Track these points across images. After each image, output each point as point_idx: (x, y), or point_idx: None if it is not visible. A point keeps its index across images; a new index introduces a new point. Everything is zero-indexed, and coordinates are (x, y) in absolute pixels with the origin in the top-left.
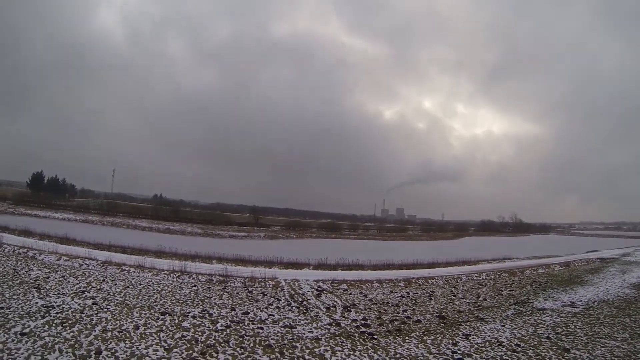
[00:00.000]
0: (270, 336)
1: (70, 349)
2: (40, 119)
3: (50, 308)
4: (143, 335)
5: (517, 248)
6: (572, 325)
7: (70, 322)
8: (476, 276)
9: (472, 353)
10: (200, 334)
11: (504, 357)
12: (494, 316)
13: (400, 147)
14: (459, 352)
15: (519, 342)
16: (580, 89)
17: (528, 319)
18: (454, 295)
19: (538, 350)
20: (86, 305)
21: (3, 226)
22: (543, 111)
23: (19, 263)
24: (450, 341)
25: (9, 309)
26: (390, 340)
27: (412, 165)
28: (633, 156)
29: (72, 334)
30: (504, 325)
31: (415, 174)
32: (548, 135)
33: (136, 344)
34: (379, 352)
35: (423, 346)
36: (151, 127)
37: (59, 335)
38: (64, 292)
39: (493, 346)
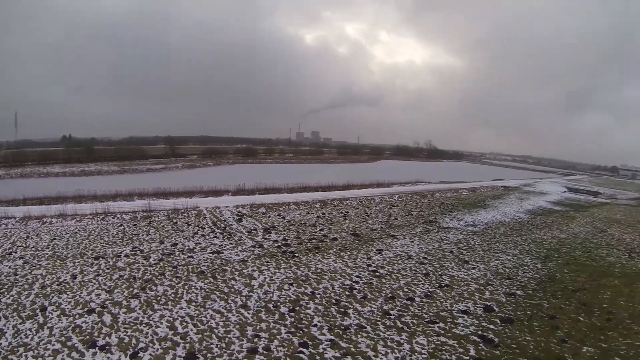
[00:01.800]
0: (201, 263)
1: (15, 313)
2: None
3: None
4: (82, 282)
5: (430, 173)
6: (472, 242)
7: (6, 286)
8: (389, 197)
9: (384, 265)
10: (136, 271)
11: (413, 268)
12: (404, 233)
13: (320, 72)
14: (373, 264)
15: (426, 256)
16: (503, 28)
17: (434, 236)
18: (368, 215)
19: (442, 262)
20: (17, 266)
21: None
22: (466, 46)
23: None
24: (365, 255)
25: None
26: (310, 257)
27: (331, 89)
28: (545, 97)
29: (12, 298)
30: (413, 242)
31: (333, 98)
32: (468, 70)
33: (78, 292)
34: (301, 269)
35: (341, 261)
36: (53, 64)
37: None
38: None
39: (403, 259)
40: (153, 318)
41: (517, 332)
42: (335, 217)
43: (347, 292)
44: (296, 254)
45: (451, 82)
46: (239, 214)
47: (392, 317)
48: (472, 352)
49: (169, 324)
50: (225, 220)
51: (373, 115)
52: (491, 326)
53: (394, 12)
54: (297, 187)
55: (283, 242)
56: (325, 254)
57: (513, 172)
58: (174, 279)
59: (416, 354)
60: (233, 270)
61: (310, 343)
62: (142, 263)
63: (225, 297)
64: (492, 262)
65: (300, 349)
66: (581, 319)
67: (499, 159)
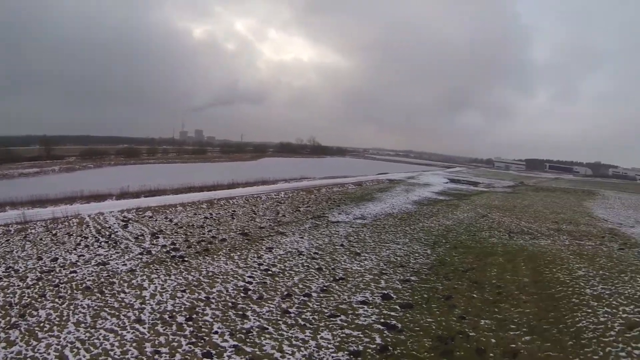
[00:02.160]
0: (86, 278)
1: None
2: None
3: None
4: None
5: (315, 169)
6: (363, 234)
7: None
8: (275, 195)
9: (276, 263)
10: (12, 295)
11: (305, 264)
12: (293, 230)
13: (206, 69)
14: (264, 263)
15: (317, 251)
16: (389, 32)
17: (324, 231)
18: (255, 214)
19: (334, 256)
20: None
21: None
22: (353, 47)
23: None
24: (256, 255)
25: None
26: (200, 260)
27: (216, 87)
28: (427, 97)
29: None
30: (302, 238)
31: (218, 96)
32: (355, 70)
33: None
34: (192, 273)
35: (232, 262)
36: None
37: None
38: None
39: (294, 255)
40: (39, 349)
41: (418, 315)
42: (223, 217)
43: (242, 294)
44: (186, 258)
45: (337, 81)
46: (125, 219)
47: (292, 315)
48: (378, 340)
49: (57, 353)
50: (110, 227)
51: (258, 113)
52: (392, 313)
53: (285, 10)
54: (183, 187)
55: (172, 247)
56: (215, 256)
57: (396, 166)
58: (57, 300)
59: (323, 349)
60: (121, 282)
61: (214, 352)
62: (18, 285)
63: (117, 313)
64: (384, 252)
65: (204, 359)
66: (475, 295)
67: (382, 154)
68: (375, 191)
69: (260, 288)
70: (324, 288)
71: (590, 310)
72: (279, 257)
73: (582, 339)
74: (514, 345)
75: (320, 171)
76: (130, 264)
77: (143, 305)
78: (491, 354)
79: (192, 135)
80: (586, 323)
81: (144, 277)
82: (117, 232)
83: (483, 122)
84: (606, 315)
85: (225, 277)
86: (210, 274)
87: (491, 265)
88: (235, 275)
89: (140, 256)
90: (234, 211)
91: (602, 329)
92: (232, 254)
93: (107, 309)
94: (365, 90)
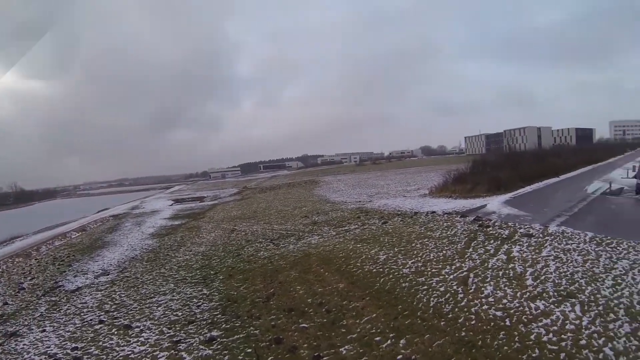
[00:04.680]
0: None
1: None
2: None
3: None
4: None
5: (25, 221)
6: (117, 296)
7: None
8: None
9: None
10: None
11: None
12: (27, 322)
13: None
14: None
15: (75, 344)
16: (94, 52)
17: (68, 309)
18: None
19: (101, 343)
20: None
21: None
22: (52, 69)
23: None
24: None
25: None
26: None
27: None
28: (135, 120)
29: None
30: (45, 330)
31: None
32: (53, 95)
33: None
34: None
35: None
36: None
37: None
38: None
39: None
40: None
41: None
42: None
43: None
44: None
45: (34, 111)
46: None
47: None
48: None
49: None
50: None
51: None
52: None
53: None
54: None
55: None
56: None
57: (115, 197)
58: None
59: None
60: None
61: None
62: None
63: None
64: (156, 311)
65: None
66: (305, 325)
67: (96, 188)
68: (104, 233)
69: None
70: None
71: (425, 287)
72: None
73: (446, 313)
74: (400, 356)
75: (33, 223)
76: None
77: None
78: None
79: None
80: (435, 299)
81: None
82: None
83: (195, 137)
84: (440, 283)
85: None
86: None
87: (290, 284)
88: None
89: None
90: None
91: (451, 296)
92: None
93: None
94: (68, 118)
